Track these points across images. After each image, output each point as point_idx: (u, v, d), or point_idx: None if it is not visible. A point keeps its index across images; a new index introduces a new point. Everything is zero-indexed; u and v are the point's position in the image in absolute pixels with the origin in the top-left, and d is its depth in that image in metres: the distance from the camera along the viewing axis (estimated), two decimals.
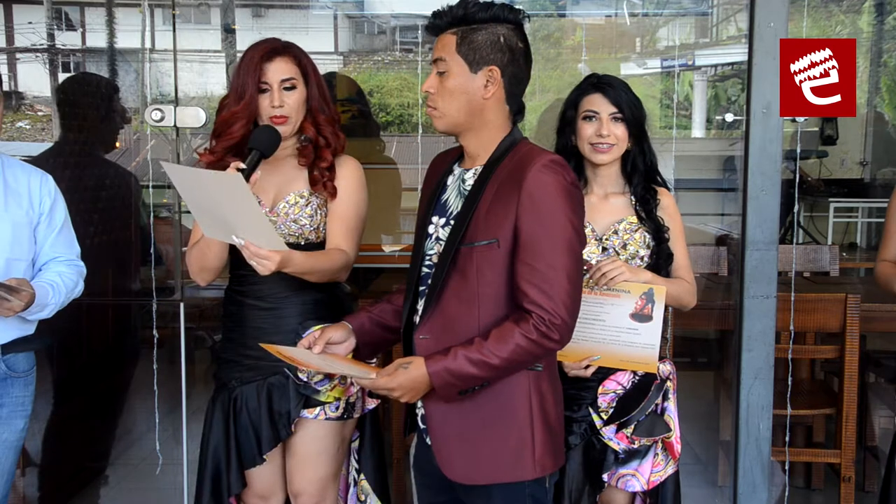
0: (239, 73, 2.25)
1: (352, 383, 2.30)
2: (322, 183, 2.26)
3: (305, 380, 2.26)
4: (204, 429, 2.38)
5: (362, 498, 2.43)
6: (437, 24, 1.90)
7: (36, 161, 2.90)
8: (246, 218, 1.95)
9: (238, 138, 2.24)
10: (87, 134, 3.84)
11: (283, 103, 2.22)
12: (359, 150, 2.47)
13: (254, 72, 2.22)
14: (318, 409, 2.28)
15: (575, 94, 2.37)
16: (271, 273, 2.03)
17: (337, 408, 2.29)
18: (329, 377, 2.26)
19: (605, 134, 2.30)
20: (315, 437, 2.30)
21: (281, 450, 2.36)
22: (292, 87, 2.24)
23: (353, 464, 2.46)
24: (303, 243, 2.27)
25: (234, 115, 2.23)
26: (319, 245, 2.29)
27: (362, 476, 2.43)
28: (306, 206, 2.27)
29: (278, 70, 2.22)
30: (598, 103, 2.31)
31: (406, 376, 1.81)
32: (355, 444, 2.46)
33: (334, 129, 2.31)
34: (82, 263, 2.41)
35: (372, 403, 2.40)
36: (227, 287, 2.39)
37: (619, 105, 2.31)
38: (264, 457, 2.31)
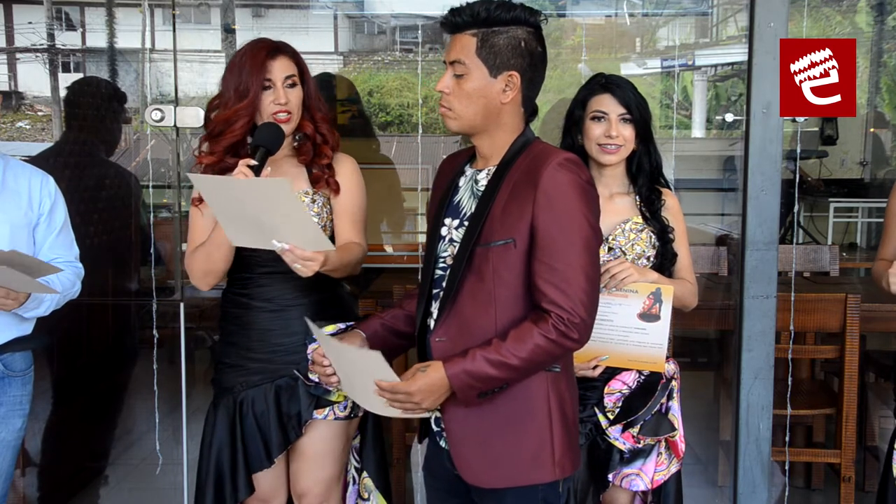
0: (240, 71, 2.21)
1: None
2: (324, 180, 2.27)
3: (316, 380, 2.24)
4: (204, 434, 2.36)
5: (365, 496, 2.43)
6: (456, 22, 1.85)
7: (35, 161, 2.90)
8: (289, 222, 1.93)
9: (240, 136, 2.23)
10: (88, 134, 3.84)
11: (287, 99, 2.22)
12: (358, 149, 2.47)
13: (259, 69, 2.20)
14: (328, 409, 2.28)
15: (583, 93, 2.36)
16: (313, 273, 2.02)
17: (345, 407, 2.29)
18: None
19: (614, 135, 2.29)
20: (323, 437, 2.30)
21: (284, 452, 2.35)
22: (294, 85, 2.25)
23: (353, 462, 2.45)
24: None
25: (237, 112, 2.21)
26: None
27: (365, 474, 2.43)
28: (312, 203, 2.28)
29: (282, 67, 2.23)
30: (607, 104, 2.31)
31: (425, 380, 1.78)
32: (355, 443, 2.45)
33: (329, 126, 2.32)
34: (81, 265, 2.41)
35: None
36: (227, 290, 2.37)
37: (627, 106, 2.30)
38: (273, 460, 2.31)
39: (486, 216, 1.83)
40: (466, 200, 1.92)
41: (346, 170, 2.32)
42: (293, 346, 2.26)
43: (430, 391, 1.79)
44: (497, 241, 1.81)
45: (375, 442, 2.45)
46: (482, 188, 1.89)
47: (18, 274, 2.07)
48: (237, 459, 2.29)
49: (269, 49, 2.23)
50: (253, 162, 2.07)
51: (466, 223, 1.88)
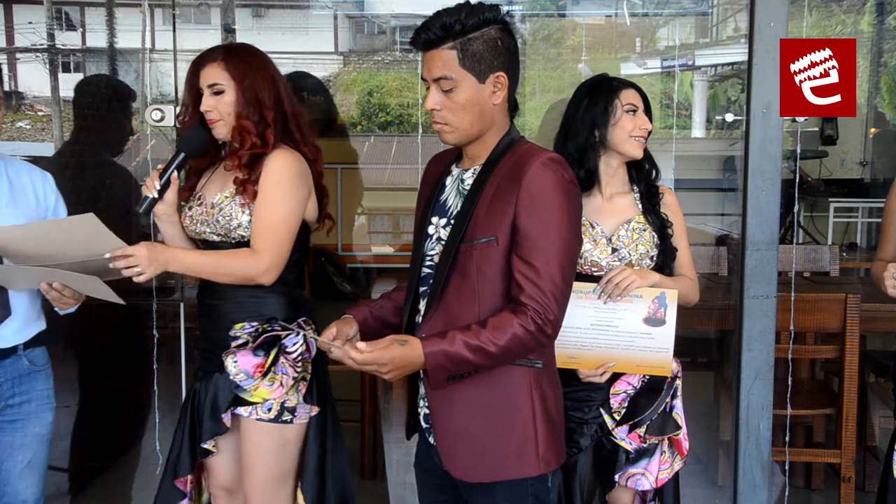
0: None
1: (280, 384, 2.27)
2: (242, 185, 2.27)
3: (231, 378, 2.27)
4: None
5: None
6: (429, 38, 1.85)
7: (40, 161, 2.91)
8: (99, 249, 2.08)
9: None
10: (96, 135, 3.84)
11: (210, 107, 2.28)
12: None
13: (189, 79, 2.32)
14: (251, 408, 2.28)
15: (608, 89, 2.33)
16: (156, 273, 2.16)
17: (269, 409, 2.28)
18: (252, 377, 2.25)
19: (649, 126, 2.33)
20: (249, 438, 2.30)
21: (238, 445, 2.36)
22: (220, 92, 2.28)
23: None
24: (234, 242, 2.29)
25: (181, 121, 2.36)
26: (246, 244, 2.29)
27: (298, 486, 2.38)
28: (226, 205, 2.28)
29: (206, 76, 2.29)
30: (636, 98, 2.33)
31: (401, 352, 1.79)
32: None
33: (263, 132, 2.28)
34: None
35: (314, 410, 2.35)
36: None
37: (646, 101, 2.35)
38: (211, 448, 2.34)
39: (471, 214, 1.86)
40: (453, 199, 1.94)
41: (268, 171, 2.27)
42: (223, 340, 2.29)
43: (401, 364, 1.79)
44: (480, 239, 1.83)
45: (315, 449, 2.37)
46: (468, 187, 1.91)
47: (94, 281, 2.17)
48: (184, 441, 2.37)
49: (199, 59, 2.32)
50: (161, 166, 2.22)
51: (453, 222, 1.90)
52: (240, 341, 2.27)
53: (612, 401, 2.30)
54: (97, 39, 5.19)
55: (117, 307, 2.28)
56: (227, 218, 2.27)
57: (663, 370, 2.28)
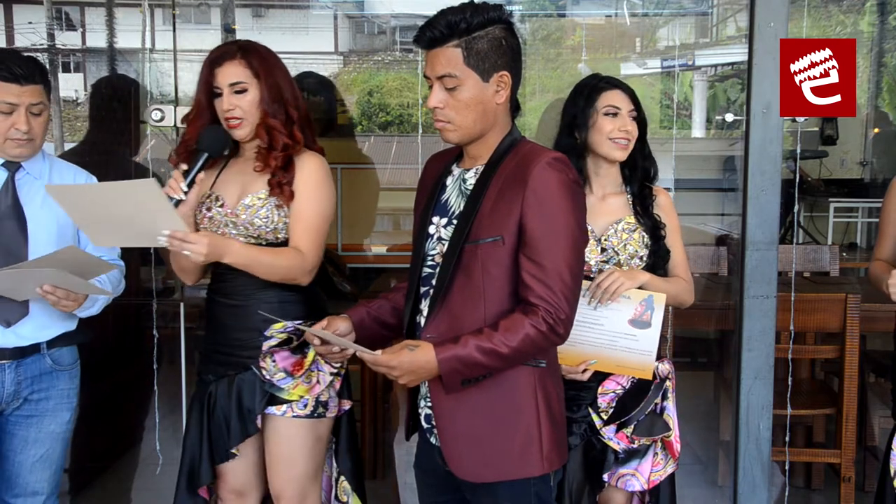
0: (197, 81, 2.31)
1: (318, 382, 2.30)
2: (279, 186, 2.26)
3: (269, 378, 2.28)
4: (185, 425, 2.42)
5: (344, 499, 2.44)
6: (434, 36, 1.85)
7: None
8: (160, 219, 2.05)
9: (194, 142, 2.29)
10: (111, 135, 3.85)
11: (233, 106, 2.24)
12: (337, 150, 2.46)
13: (204, 79, 2.27)
14: (285, 406, 2.29)
15: (589, 91, 2.34)
16: (208, 261, 2.15)
17: (305, 405, 2.30)
18: (291, 375, 2.28)
19: (630, 129, 2.31)
20: (285, 435, 2.31)
21: (256, 447, 2.37)
22: (243, 91, 2.24)
23: (335, 465, 2.46)
24: (264, 244, 2.28)
25: (188, 122, 2.31)
26: (279, 245, 2.29)
27: (343, 478, 2.44)
28: (262, 207, 2.27)
29: (226, 74, 2.24)
30: (619, 100, 2.33)
31: (410, 358, 1.81)
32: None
33: (291, 130, 2.27)
34: (122, 262, 2.46)
35: (347, 404, 2.40)
36: (207, 285, 2.43)
37: (635, 103, 2.34)
38: (234, 451, 2.34)
39: (475, 214, 1.86)
40: (454, 199, 1.94)
41: (305, 173, 2.28)
42: (251, 341, 2.29)
43: (413, 370, 1.82)
44: (486, 239, 1.84)
45: (350, 444, 2.45)
46: (470, 187, 1.91)
47: (73, 277, 2.16)
48: (203, 447, 2.34)
49: (215, 57, 2.26)
50: (184, 167, 2.17)
51: (455, 221, 1.90)
52: (274, 341, 2.27)
53: (599, 400, 2.30)
54: (97, 39, 5.19)
55: (118, 307, 2.29)
56: (264, 220, 2.26)
57: (644, 373, 2.28)
